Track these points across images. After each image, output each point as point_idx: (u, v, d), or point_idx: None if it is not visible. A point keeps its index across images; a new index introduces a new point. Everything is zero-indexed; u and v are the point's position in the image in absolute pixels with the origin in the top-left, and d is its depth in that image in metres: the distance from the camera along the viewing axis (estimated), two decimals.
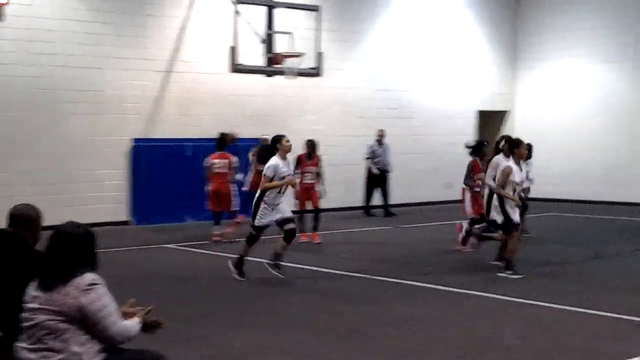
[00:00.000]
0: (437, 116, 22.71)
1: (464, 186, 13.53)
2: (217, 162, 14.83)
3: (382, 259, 12.99)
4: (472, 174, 13.28)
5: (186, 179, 17.92)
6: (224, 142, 15.05)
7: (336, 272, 11.68)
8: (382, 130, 19.86)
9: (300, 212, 14.78)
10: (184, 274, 11.63)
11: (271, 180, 10.71)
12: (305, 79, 18.67)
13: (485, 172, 12.84)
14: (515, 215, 11.28)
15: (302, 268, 11.92)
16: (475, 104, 24.40)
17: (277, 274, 10.76)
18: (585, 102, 23.77)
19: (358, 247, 14.61)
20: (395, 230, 17.26)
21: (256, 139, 16.89)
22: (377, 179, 19.78)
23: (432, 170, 22.51)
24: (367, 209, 20.11)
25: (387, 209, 19.80)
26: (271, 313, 8.98)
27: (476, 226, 13.09)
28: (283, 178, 10.76)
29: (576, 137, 23.83)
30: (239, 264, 10.94)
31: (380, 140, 19.78)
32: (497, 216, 11.37)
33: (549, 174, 23.06)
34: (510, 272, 11.14)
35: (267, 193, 10.76)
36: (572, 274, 11.65)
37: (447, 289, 10.34)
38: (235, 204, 15.06)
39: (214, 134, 15.96)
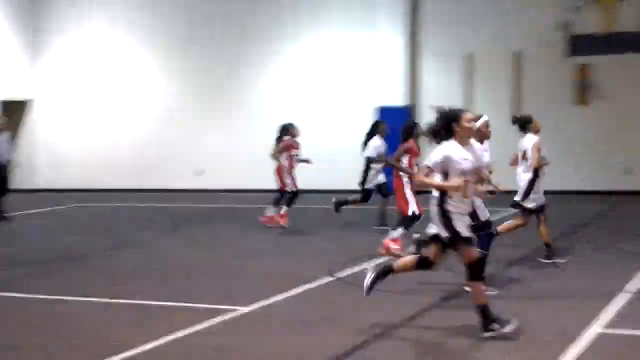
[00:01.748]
0: None
1: (402, 175, 11.56)
2: None
3: None
4: (410, 158, 11.58)
5: None
6: None
7: None
8: (2, 119, 17.02)
9: None
10: None
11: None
12: None
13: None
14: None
15: None
16: None
17: None
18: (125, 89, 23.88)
19: None
20: None
21: None
22: None
23: None
24: None
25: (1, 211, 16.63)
26: None
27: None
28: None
29: (102, 125, 23.83)
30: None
31: None
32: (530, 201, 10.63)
33: (68, 164, 22.89)
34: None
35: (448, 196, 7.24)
36: (97, 265, 11.55)
37: None
38: None
39: None
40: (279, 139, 15.09)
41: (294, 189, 14.88)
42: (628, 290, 8.87)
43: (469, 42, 20.31)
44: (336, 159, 20.97)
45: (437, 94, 20.60)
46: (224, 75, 22.57)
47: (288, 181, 14.94)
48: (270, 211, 14.92)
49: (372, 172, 14.07)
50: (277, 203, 14.95)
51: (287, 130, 15.05)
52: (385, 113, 20.56)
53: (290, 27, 21.95)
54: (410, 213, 11.47)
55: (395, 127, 20.32)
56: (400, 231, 11.46)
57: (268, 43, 22.14)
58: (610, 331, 7.28)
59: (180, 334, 7.40)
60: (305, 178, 21.21)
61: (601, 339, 7.03)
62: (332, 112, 21.38)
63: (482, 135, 9.18)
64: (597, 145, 19.07)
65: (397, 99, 20.75)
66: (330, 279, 9.96)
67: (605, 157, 19.16)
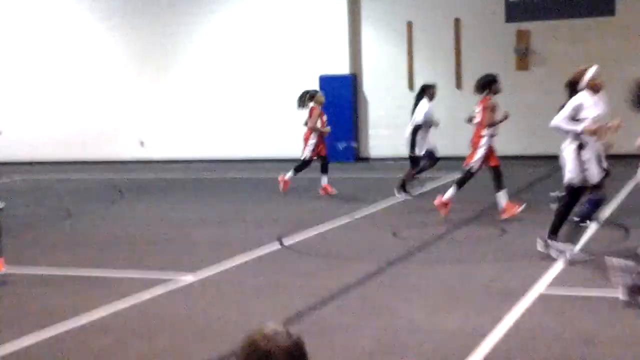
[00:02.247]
0: None
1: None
2: None
3: None
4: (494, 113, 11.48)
5: None
6: None
7: None
8: None
9: None
10: None
11: None
12: None
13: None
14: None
15: None
16: None
17: None
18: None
19: None
20: None
21: None
22: None
23: None
24: None
25: None
26: None
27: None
28: None
29: (43, 95, 23.43)
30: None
31: None
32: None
33: (8, 135, 22.47)
34: None
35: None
36: (40, 236, 11.42)
37: None
38: None
39: None
40: (304, 106, 14.57)
41: (307, 159, 14.48)
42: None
43: (409, 9, 20.35)
44: (279, 128, 20.97)
45: (379, 62, 20.68)
46: (160, 44, 22.27)
47: (308, 150, 14.43)
48: (324, 180, 14.46)
49: (418, 138, 13.58)
50: (324, 170, 14.45)
51: (312, 98, 14.57)
52: (328, 81, 20.58)
53: None
54: (469, 168, 11.46)
55: (337, 95, 20.53)
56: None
57: (204, 6, 21.83)
58: (551, 291, 7.45)
59: (126, 303, 7.39)
60: (251, 147, 21.34)
61: (542, 298, 7.20)
62: (275, 80, 21.29)
63: (596, 86, 8.92)
64: (539, 110, 19.24)
65: (341, 67, 20.74)
66: (278, 245, 10.00)
67: (546, 121, 19.37)
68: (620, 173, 13.38)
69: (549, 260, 8.54)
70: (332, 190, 14.33)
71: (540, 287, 7.54)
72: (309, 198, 14.23)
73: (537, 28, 19.47)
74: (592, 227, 9.78)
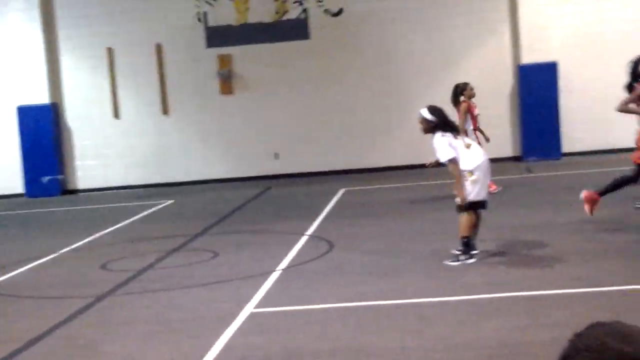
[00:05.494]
0: None
1: None
2: None
3: None
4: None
5: None
6: None
7: None
8: None
9: None
10: None
11: None
12: None
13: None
14: None
15: None
16: None
17: None
18: None
19: None
20: None
21: None
22: None
23: None
24: None
25: None
26: None
27: None
28: None
29: None
30: None
31: None
32: None
33: None
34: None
35: None
36: None
37: None
38: None
39: None
40: (631, 88, 10.13)
41: None
42: (280, 268, 9.24)
43: (108, 36, 19.91)
44: None
45: (81, 90, 20.07)
46: None
47: None
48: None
49: None
50: None
51: (462, 92, 12.64)
52: (27, 112, 19.66)
53: None
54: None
55: (37, 126, 19.62)
56: None
57: None
58: (261, 309, 7.53)
59: None
60: None
61: (253, 317, 7.25)
62: None
63: None
64: (246, 133, 19.67)
65: (39, 97, 19.83)
66: None
67: (254, 143, 19.82)
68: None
69: (259, 279, 8.65)
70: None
71: (251, 306, 7.59)
72: (10, 234, 13.41)
73: (238, 52, 19.85)
74: None
